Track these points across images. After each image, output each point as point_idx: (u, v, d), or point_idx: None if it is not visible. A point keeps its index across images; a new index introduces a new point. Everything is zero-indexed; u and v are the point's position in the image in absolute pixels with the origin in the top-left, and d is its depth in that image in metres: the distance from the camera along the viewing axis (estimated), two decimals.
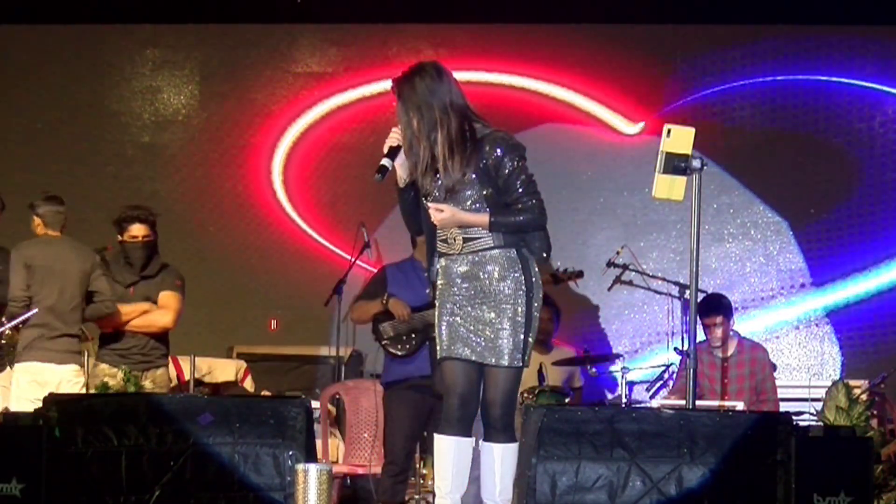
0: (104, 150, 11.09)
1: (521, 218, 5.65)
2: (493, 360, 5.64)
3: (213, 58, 11.15)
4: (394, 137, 5.70)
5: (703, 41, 10.89)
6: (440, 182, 5.67)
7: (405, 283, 7.87)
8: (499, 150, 5.64)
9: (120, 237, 7.81)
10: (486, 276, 5.66)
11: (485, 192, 5.64)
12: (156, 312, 7.83)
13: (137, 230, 7.78)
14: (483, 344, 5.64)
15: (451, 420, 5.68)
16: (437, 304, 5.77)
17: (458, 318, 5.68)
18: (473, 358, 5.65)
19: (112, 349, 7.78)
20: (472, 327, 5.66)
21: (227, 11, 10.98)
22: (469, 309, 5.67)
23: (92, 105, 11.10)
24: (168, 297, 7.86)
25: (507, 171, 5.64)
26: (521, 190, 5.65)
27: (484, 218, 5.63)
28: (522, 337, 5.65)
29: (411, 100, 5.64)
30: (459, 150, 5.62)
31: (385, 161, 5.69)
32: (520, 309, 5.65)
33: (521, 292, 5.66)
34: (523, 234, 5.69)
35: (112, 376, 7.64)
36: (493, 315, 5.65)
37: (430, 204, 5.67)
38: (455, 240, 5.70)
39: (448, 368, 5.70)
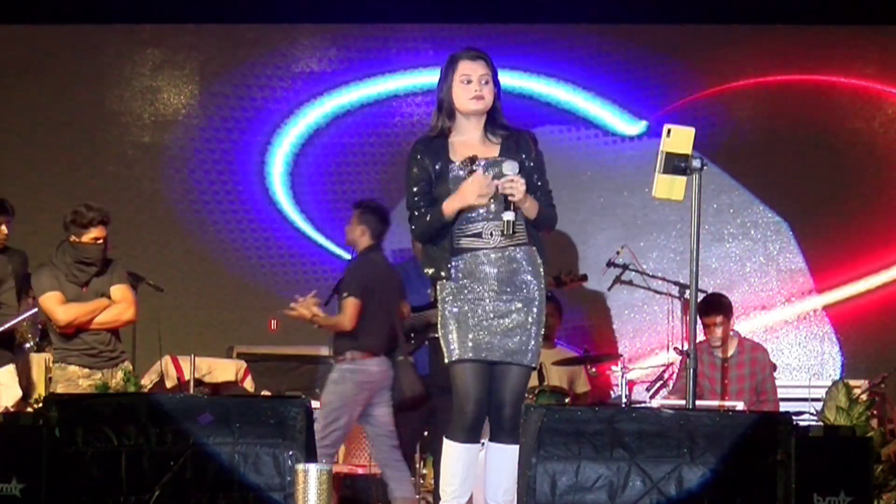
0: (105, 150, 11.09)
1: (551, 215, 5.78)
2: (517, 360, 5.62)
3: (213, 58, 11.15)
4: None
5: (703, 41, 10.90)
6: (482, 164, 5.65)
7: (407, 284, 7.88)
8: (535, 152, 5.79)
9: (76, 238, 7.70)
10: (515, 273, 5.65)
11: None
12: (118, 307, 7.78)
13: (99, 232, 7.71)
14: (498, 343, 5.62)
15: (466, 426, 5.63)
16: (443, 303, 5.69)
17: (471, 318, 5.63)
18: (489, 358, 5.61)
19: (79, 349, 7.74)
20: (490, 326, 5.62)
21: (227, 11, 10.98)
22: (486, 305, 5.63)
23: (92, 105, 11.10)
24: (122, 291, 7.78)
25: (539, 174, 5.76)
26: (540, 195, 5.73)
27: (535, 205, 5.70)
28: (536, 337, 5.66)
29: (496, 77, 5.78)
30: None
31: (508, 215, 5.62)
32: (535, 309, 5.66)
33: (536, 292, 5.67)
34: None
35: (86, 377, 7.62)
36: (516, 314, 5.63)
37: (509, 174, 5.60)
38: (492, 234, 5.67)
39: (461, 372, 5.64)
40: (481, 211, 5.67)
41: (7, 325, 7.82)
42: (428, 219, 5.69)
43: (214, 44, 11.17)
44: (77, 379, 7.63)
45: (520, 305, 5.64)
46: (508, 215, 5.59)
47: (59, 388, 7.63)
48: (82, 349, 7.72)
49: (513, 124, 5.92)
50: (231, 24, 11.12)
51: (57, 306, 7.65)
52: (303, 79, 11.09)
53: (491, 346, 5.62)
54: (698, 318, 8.75)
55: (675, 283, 9.68)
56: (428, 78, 10.81)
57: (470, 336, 5.62)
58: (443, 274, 5.69)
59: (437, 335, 5.83)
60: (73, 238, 7.68)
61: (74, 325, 7.69)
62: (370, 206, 8.22)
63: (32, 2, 10.90)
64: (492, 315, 5.63)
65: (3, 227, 8.00)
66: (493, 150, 5.73)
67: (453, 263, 5.69)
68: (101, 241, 7.71)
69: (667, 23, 10.84)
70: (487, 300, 5.64)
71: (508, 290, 5.64)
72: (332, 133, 11.06)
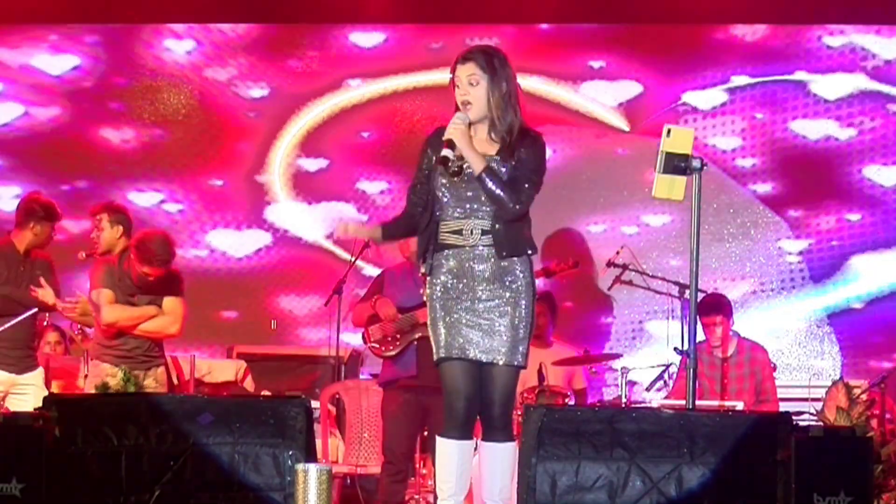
0: (105, 151, 11.09)
1: (505, 191, 5.57)
2: (496, 359, 5.62)
3: (213, 58, 11.15)
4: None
5: (702, 41, 10.90)
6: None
7: (400, 284, 7.90)
8: (532, 149, 5.67)
9: (138, 263, 7.67)
10: (501, 271, 5.63)
11: None
12: (163, 320, 7.77)
13: (153, 272, 7.70)
14: (486, 342, 5.62)
15: (458, 423, 5.63)
16: (431, 300, 5.70)
17: (459, 316, 5.62)
18: (477, 357, 5.62)
19: (115, 349, 7.77)
20: (474, 324, 5.63)
21: (227, 11, 10.98)
22: (472, 304, 5.62)
23: (92, 106, 11.09)
24: (173, 304, 7.80)
25: (522, 166, 5.64)
26: (514, 182, 5.62)
27: (481, 161, 5.58)
28: (524, 336, 5.64)
29: (497, 75, 5.67)
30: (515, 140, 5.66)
31: (446, 152, 5.58)
32: (523, 307, 5.64)
33: (523, 290, 5.65)
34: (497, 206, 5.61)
35: (113, 376, 7.63)
36: (499, 312, 5.62)
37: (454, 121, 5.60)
38: (472, 232, 5.66)
39: (449, 370, 5.64)
40: (459, 210, 5.66)
41: (6, 326, 7.84)
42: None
43: (214, 44, 11.16)
44: (106, 377, 7.64)
45: (506, 305, 5.62)
46: (445, 151, 5.56)
47: (89, 383, 7.67)
48: (117, 349, 7.73)
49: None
50: (231, 24, 11.12)
51: (104, 304, 7.67)
52: (303, 79, 11.09)
53: (477, 345, 5.61)
54: (698, 317, 8.77)
55: (675, 283, 9.68)
56: (428, 77, 10.81)
57: (456, 334, 5.62)
58: (423, 270, 5.71)
59: (424, 335, 5.82)
60: (130, 253, 7.68)
61: (116, 327, 7.70)
62: (114, 207, 8.29)
63: (34, 2, 10.89)
64: (478, 314, 5.62)
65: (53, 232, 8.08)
66: (493, 149, 5.70)
67: (438, 261, 5.69)
68: (151, 277, 7.63)
69: (666, 22, 10.84)
70: (473, 299, 5.63)
71: (495, 288, 5.62)
72: (333, 132, 11.06)
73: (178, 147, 11.07)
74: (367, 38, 11.07)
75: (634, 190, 10.62)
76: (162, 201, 10.97)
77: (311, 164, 11.04)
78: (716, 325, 8.79)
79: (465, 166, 5.62)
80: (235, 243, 11.01)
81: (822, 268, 10.67)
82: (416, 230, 5.81)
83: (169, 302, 7.79)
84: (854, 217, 10.64)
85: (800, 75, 10.73)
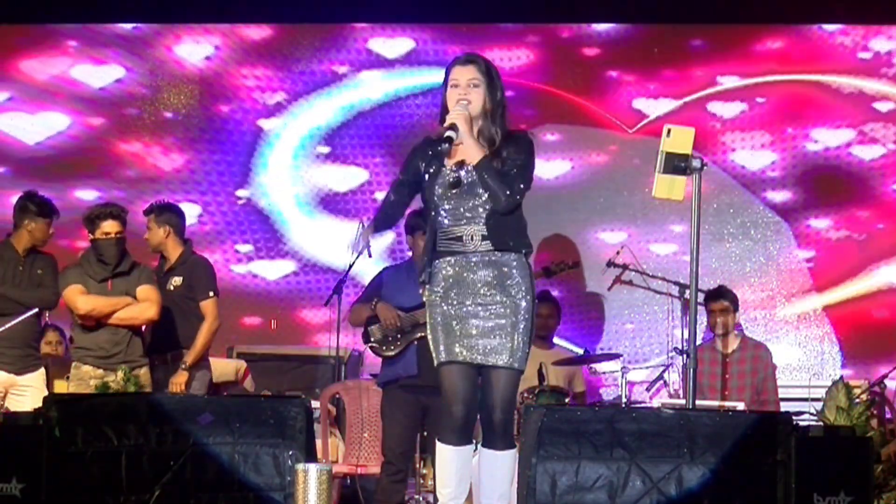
0: (105, 151, 11.09)
1: (499, 181, 5.60)
2: (497, 362, 5.61)
3: (214, 58, 11.15)
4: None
5: (703, 41, 10.89)
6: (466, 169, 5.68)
7: (400, 284, 7.89)
8: (516, 146, 5.69)
9: (92, 235, 7.81)
10: (501, 277, 5.63)
11: None
12: (140, 304, 7.83)
13: (110, 227, 7.77)
14: (487, 345, 5.62)
15: (456, 428, 5.63)
16: (431, 307, 5.72)
17: (459, 321, 5.63)
18: (477, 360, 5.62)
19: (94, 350, 7.77)
20: (474, 329, 5.63)
21: (228, 11, 10.98)
22: (472, 309, 5.63)
23: (92, 106, 11.09)
24: (148, 291, 7.86)
25: (512, 162, 5.65)
26: (504, 174, 5.64)
27: (479, 151, 5.62)
28: (524, 339, 5.64)
29: (494, 83, 5.69)
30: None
31: (450, 133, 5.62)
32: (522, 311, 5.64)
33: (523, 294, 5.65)
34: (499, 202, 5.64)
35: (98, 378, 7.64)
36: (502, 318, 5.62)
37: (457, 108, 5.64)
38: (472, 238, 5.68)
39: (448, 374, 5.64)
40: (459, 218, 5.68)
41: (6, 326, 7.84)
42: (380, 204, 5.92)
43: (215, 44, 11.16)
44: (88, 379, 7.65)
45: (506, 309, 5.62)
46: (449, 132, 5.62)
47: (72, 387, 7.69)
48: (97, 351, 7.74)
49: (514, 125, 5.88)
50: (231, 24, 11.12)
51: (78, 296, 7.74)
52: (304, 79, 11.09)
53: (477, 349, 5.61)
54: (704, 307, 8.80)
55: (676, 283, 9.68)
56: (428, 79, 10.80)
57: (456, 340, 5.62)
58: (422, 278, 5.73)
59: (424, 335, 5.84)
60: (90, 236, 7.80)
61: (94, 315, 7.74)
62: (162, 207, 8.34)
63: (33, 1, 10.90)
64: (477, 319, 5.63)
65: (51, 229, 8.12)
66: (482, 153, 5.70)
67: (437, 268, 5.70)
68: (112, 236, 7.76)
69: (667, 22, 10.83)
70: (473, 304, 5.63)
71: (494, 293, 5.63)
72: (332, 134, 11.06)
73: (178, 146, 11.07)
74: (389, 45, 11.06)
75: (635, 190, 10.61)
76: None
77: (328, 173, 11.03)
78: (722, 311, 8.80)
79: (462, 176, 5.65)
80: (234, 241, 11.01)
81: (822, 267, 10.67)
82: (393, 223, 5.95)
83: (143, 290, 7.86)
84: (861, 219, 10.64)
85: (824, 80, 10.74)
